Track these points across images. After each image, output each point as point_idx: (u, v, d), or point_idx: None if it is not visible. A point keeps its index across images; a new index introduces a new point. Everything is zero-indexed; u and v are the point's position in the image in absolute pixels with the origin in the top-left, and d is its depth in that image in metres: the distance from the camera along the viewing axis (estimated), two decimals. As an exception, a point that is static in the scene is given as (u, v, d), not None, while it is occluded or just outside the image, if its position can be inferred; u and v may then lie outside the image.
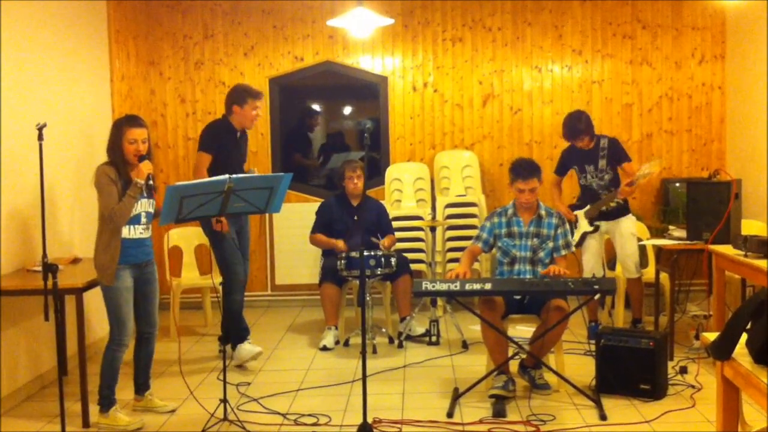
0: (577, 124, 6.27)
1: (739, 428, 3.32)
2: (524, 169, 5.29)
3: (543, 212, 5.37)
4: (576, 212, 6.43)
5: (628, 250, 6.35)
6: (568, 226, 5.50)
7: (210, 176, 5.44)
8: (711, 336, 3.22)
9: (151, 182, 4.65)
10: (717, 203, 5.60)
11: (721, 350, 3.07)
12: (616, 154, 6.30)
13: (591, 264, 6.38)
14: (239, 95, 6.07)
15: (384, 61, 8.08)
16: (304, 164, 8.58)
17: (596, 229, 6.36)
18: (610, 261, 6.91)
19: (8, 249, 5.17)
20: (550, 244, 5.31)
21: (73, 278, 4.90)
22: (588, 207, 6.37)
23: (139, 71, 7.80)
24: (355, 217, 6.57)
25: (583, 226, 6.37)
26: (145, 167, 4.64)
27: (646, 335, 5.14)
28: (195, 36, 8.01)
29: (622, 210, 6.33)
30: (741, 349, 3.02)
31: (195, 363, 6.03)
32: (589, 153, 6.32)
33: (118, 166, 4.65)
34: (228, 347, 6.05)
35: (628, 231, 6.35)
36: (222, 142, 6.04)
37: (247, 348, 5.96)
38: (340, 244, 6.48)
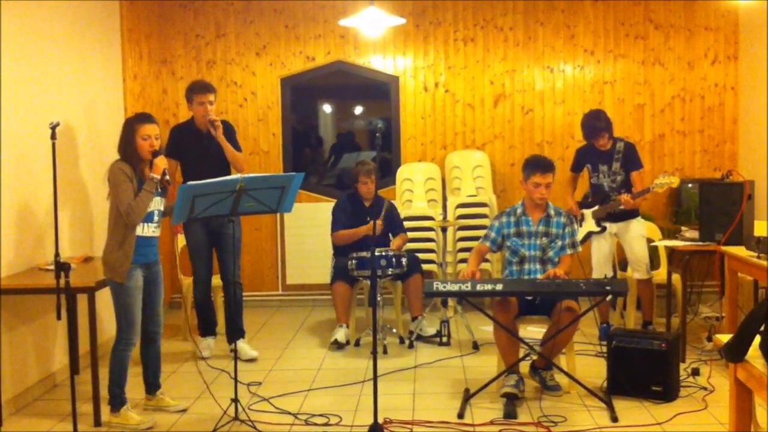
0: (596, 122, 6.26)
1: (752, 431, 3.30)
2: (542, 164, 5.29)
3: (552, 211, 5.36)
4: (584, 210, 6.42)
5: (638, 252, 6.32)
6: (576, 227, 5.49)
7: (186, 180, 5.42)
8: (724, 338, 3.21)
9: (166, 177, 4.67)
10: (730, 204, 5.58)
11: (735, 352, 3.06)
12: (631, 158, 6.27)
13: (601, 265, 6.36)
14: (186, 95, 6.07)
15: (395, 61, 8.08)
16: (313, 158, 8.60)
17: (603, 229, 6.34)
18: (622, 262, 6.88)
19: (21, 247, 5.19)
20: (559, 243, 5.30)
21: (85, 277, 4.92)
22: (596, 207, 6.36)
23: (151, 70, 7.82)
24: (368, 218, 6.57)
25: (590, 225, 6.35)
26: (161, 162, 4.66)
27: (658, 337, 5.12)
28: (207, 35, 8.03)
29: (630, 212, 6.30)
30: (754, 352, 3.01)
31: (203, 362, 6.03)
32: (605, 153, 6.30)
33: (132, 164, 4.66)
34: (238, 345, 6.10)
35: (637, 233, 6.32)
36: (183, 146, 6.01)
37: (204, 344, 6.20)
38: (363, 230, 6.45)
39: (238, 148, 6.12)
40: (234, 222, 4.84)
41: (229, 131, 6.09)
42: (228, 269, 6.03)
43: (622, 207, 6.14)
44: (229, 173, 5.78)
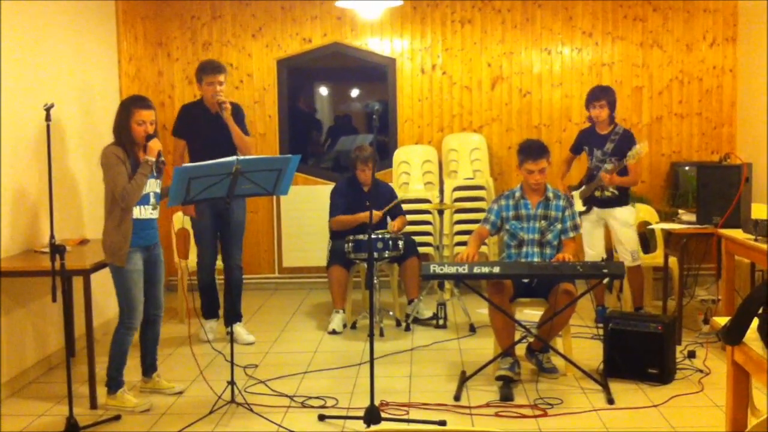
0: (598, 92, 6.32)
1: (748, 413, 3.30)
2: (534, 150, 5.26)
3: (551, 194, 5.34)
4: (573, 192, 6.41)
5: (623, 239, 6.30)
6: (576, 209, 5.48)
7: (192, 161, 5.41)
8: (721, 321, 3.20)
9: (161, 158, 4.64)
10: (727, 187, 5.57)
11: (733, 335, 3.05)
12: (625, 144, 6.23)
13: (593, 248, 6.36)
14: (196, 75, 6.02)
15: (392, 43, 8.03)
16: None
17: (588, 209, 6.34)
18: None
19: (16, 230, 5.17)
20: (558, 226, 5.28)
21: (80, 259, 4.90)
22: (583, 187, 6.36)
23: (146, 52, 7.77)
24: (367, 203, 6.52)
25: (578, 206, 6.35)
26: (155, 145, 4.63)
27: (655, 319, 5.12)
28: (203, 17, 7.98)
29: (618, 200, 6.29)
30: (752, 334, 3.00)
31: (203, 344, 6.03)
32: (603, 137, 6.29)
33: (126, 147, 4.63)
34: (234, 329, 6.11)
35: (623, 220, 6.30)
36: (192, 125, 5.97)
37: (208, 327, 6.21)
38: (362, 216, 6.39)
39: (246, 131, 6.05)
40: (230, 205, 4.80)
41: (238, 114, 6.01)
42: (231, 253, 6.03)
43: (603, 185, 6.15)
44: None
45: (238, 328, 6.11)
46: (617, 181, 6.17)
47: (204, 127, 5.94)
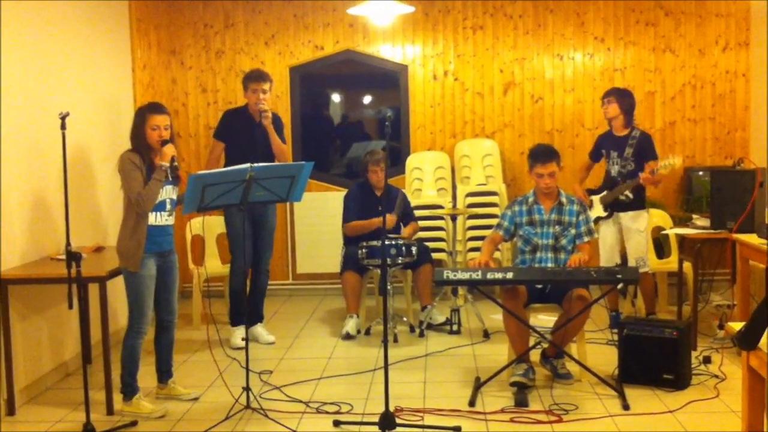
0: (610, 89, 6.42)
1: (765, 418, 3.29)
2: (542, 154, 5.29)
3: (564, 199, 5.34)
4: (592, 197, 6.40)
5: (632, 245, 6.27)
6: (590, 213, 5.48)
7: (230, 164, 5.50)
8: (736, 326, 3.19)
9: (175, 164, 4.68)
10: (741, 192, 5.54)
11: (748, 340, 3.04)
12: (644, 148, 6.22)
13: (608, 253, 6.34)
14: (243, 82, 6.20)
15: (404, 50, 8.05)
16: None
17: (610, 215, 6.31)
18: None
19: (33, 237, 5.21)
20: (572, 231, 5.28)
21: (96, 267, 4.94)
22: (605, 192, 6.34)
23: (160, 60, 7.82)
24: (379, 207, 6.55)
25: (597, 211, 6.33)
26: (169, 150, 4.67)
27: (669, 325, 5.11)
28: (216, 25, 8.02)
29: (633, 204, 6.27)
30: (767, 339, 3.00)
31: (217, 351, 6.04)
32: (620, 139, 6.28)
33: (142, 153, 4.68)
34: (256, 330, 6.18)
35: (635, 227, 6.26)
36: (233, 130, 6.11)
37: (236, 335, 6.20)
38: (376, 222, 6.42)
39: (283, 140, 6.20)
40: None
41: (277, 123, 6.17)
42: (262, 257, 6.20)
43: (628, 194, 6.13)
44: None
45: (259, 329, 6.23)
46: (650, 178, 6.10)
47: (244, 133, 6.06)
